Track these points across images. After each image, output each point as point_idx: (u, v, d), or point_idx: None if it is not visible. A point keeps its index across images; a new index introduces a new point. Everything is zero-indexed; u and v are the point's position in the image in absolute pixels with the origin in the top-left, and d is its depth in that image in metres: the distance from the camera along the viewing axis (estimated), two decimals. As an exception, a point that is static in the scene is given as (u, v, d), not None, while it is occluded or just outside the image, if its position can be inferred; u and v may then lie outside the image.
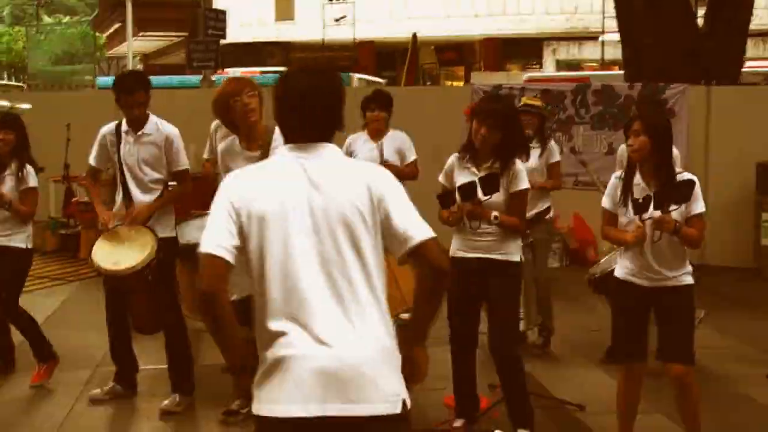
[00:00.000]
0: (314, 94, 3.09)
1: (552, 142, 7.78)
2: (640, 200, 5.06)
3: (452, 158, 5.68)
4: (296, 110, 3.10)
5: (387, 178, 3.11)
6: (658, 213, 5.01)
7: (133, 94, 6.12)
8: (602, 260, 6.78)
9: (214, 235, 2.98)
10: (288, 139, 3.13)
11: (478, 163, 5.53)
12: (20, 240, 6.79)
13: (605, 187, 5.50)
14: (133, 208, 6.09)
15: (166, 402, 6.24)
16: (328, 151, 3.11)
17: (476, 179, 5.39)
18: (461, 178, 5.50)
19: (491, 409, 6.02)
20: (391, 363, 2.99)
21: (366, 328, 2.95)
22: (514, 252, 5.53)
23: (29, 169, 6.81)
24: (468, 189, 5.36)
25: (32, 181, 6.80)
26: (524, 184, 5.52)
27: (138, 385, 6.61)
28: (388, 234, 3.03)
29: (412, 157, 7.92)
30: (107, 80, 23.39)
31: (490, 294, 5.55)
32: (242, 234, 2.98)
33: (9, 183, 6.75)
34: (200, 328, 7.70)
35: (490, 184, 5.33)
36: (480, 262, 5.48)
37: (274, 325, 2.95)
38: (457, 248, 5.57)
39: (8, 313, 6.89)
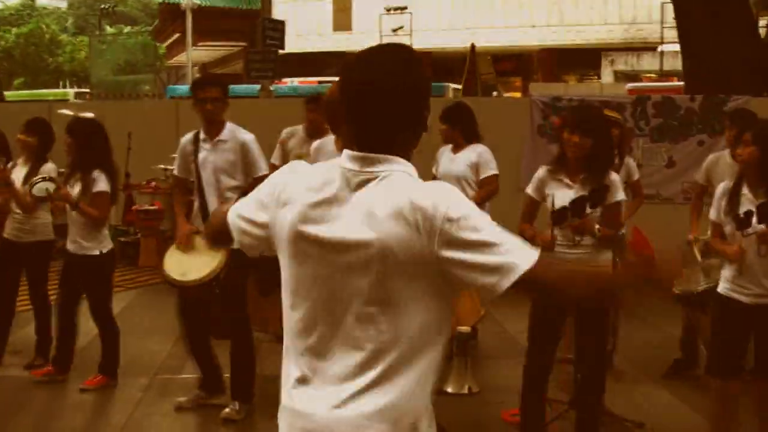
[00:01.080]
0: (367, 91, 2.42)
1: (630, 159, 7.49)
2: (742, 215, 5.01)
3: (541, 171, 5.56)
4: (349, 112, 2.46)
5: (454, 203, 2.33)
6: (762, 227, 4.93)
7: (205, 89, 6.22)
8: (684, 272, 6.72)
9: (241, 204, 2.66)
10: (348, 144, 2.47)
11: (571, 175, 5.42)
12: (94, 248, 6.85)
13: None
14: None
15: (226, 410, 6.26)
16: (388, 167, 2.40)
17: (586, 194, 5.27)
18: (557, 192, 5.36)
19: (550, 423, 5.97)
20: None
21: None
22: (605, 264, 5.40)
23: (98, 173, 6.80)
24: (579, 204, 5.24)
25: (102, 185, 6.78)
26: (620, 195, 5.44)
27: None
28: (466, 276, 2.32)
29: (490, 172, 7.57)
30: (183, 88, 23.58)
31: (582, 308, 5.35)
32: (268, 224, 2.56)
33: (77, 187, 6.79)
34: (258, 338, 7.79)
35: (598, 197, 5.25)
36: None
37: (286, 363, 2.57)
38: (545, 249, 5.46)
39: (97, 318, 7.02)
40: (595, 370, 5.50)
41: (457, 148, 7.70)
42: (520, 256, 2.31)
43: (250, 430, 6.21)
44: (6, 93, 22.47)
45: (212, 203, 6.18)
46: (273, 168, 6.91)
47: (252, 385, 6.38)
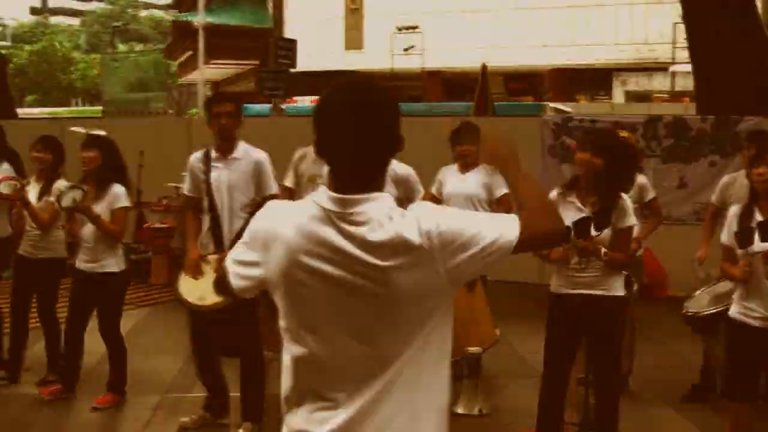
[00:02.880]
0: (344, 140, 2.48)
1: (643, 178, 7.38)
2: (744, 233, 5.00)
3: (554, 193, 5.54)
4: (329, 160, 2.53)
5: (436, 219, 2.45)
6: (766, 245, 4.93)
7: (220, 104, 6.25)
8: (697, 294, 6.70)
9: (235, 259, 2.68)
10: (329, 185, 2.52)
11: (582, 198, 5.42)
12: (113, 265, 6.88)
13: None
14: (223, 256, 6.09)
15: (240, 430, 6.25)
16: (369, 206, 2.46)
17: (590, 215, 5.24)
18: (567, 214, 5.30)
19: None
20: None
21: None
22: (617, 287, 5.38)
23: (117, 188, 6.85)
24: (583, 225, 5.19)
25: (123, 200, 6.85)
26: (631, 220, 5.41)
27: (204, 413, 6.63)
28: (472, 270, 2.49)
29: (502, 191, 7.42)
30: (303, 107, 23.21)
31: (594, 330, 5.39)
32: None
33: (96, 201, 6.79)
34: (268, 357, 7.76)
35: (603, 219, 5.22)
36: (583, 298, 5.33)
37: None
38: (559, 285, 5.47)
39: (108, 336, 7.02)
40: (610, 393, 5.46)
41: (465, 168, 7.60)
42: (504, 228, 2.48)
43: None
44: (58, 110, 22.47)
45: (225, 222, 6.19)
46: (287, 191, 6.92)
47: (262, 405, 6.36)
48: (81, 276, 6.93)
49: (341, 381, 2.48)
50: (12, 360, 7.55)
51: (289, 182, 6.98)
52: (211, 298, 5.85)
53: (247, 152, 6.31)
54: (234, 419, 6.43)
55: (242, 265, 2.63)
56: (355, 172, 2.49)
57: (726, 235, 5.26)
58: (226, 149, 6.28)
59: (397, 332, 2.45)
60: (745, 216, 5.14)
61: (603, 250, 5.24)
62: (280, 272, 2.52)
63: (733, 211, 5.28)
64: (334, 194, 2.47)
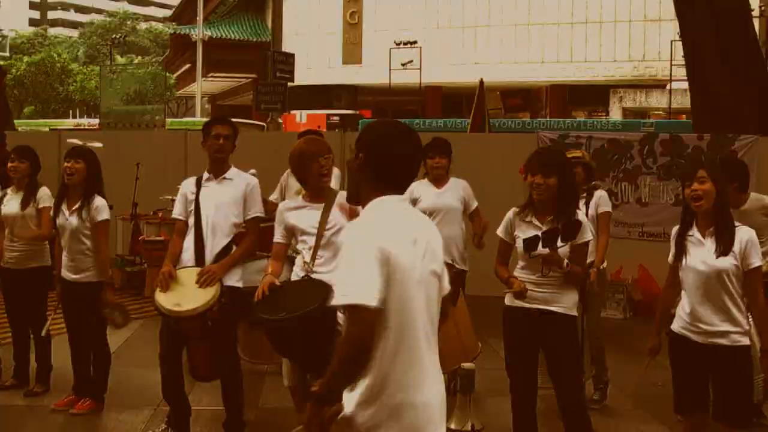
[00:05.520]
0: (418, 150, 3.45)
1: (601, 192, 7.49)
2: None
3: (510, 214, 5.68)
4: (409, 162, 3.37)
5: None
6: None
7: (221, 125, 6.34)
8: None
9: (367, 284, 3.05)
10: (389, 189, 3.30)
11: (539, 216, 5.53)
12: (94, 275, 6.91)
13: None
14: (206, 268, 6.11)
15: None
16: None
17: (558, 227, 5.39)
18: (526, 233, 5.48)
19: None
20: None
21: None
22: (571, 306, 5.50)
23: (99, 201, 6.88)
24: (551, 236, 5.35)
25: (105, 213, 6.88)
26: (588, 235, 5.52)
27: (192, 426, 6.60)
28: None
29: (475, 204, 7.87)
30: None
31: (552, 345, 5.50)
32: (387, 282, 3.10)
33: (76, 215, 6.84)
34: (261, 370, 7.75)
35: (570, 231, 5.37)
36: (540, 312, 5.44)
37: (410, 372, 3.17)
38: (515, 298, 5.53)
39: (96, 343, 7.06)
40: (574, 406, 5.53)
41: (439, 182, 7.75)
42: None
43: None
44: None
45: (209, 239, 6.20)
46: (270, 205, 6.94)
47: (242, 417, 6.38)
48: (68, 286, 6.96)
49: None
50: (20, 365, 7.70)
51: (274, 197, 7.03)
52: (188, 305, 5.85)
53: (239, 175, 6.39)
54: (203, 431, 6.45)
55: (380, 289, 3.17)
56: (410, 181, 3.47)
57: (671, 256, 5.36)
58: (218, 171, 6.33)
59: None
60: (682, 235, 5.22)
61: (565, 261, 5.36)
62: (412, 272, 3.29)
63: (674, 232, 5.34)
64: (400, 195, 3.37)
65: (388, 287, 3.05)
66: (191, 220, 6.27)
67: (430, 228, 3.39)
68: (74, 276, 6.90)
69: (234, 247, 6.26)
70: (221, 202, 6.21)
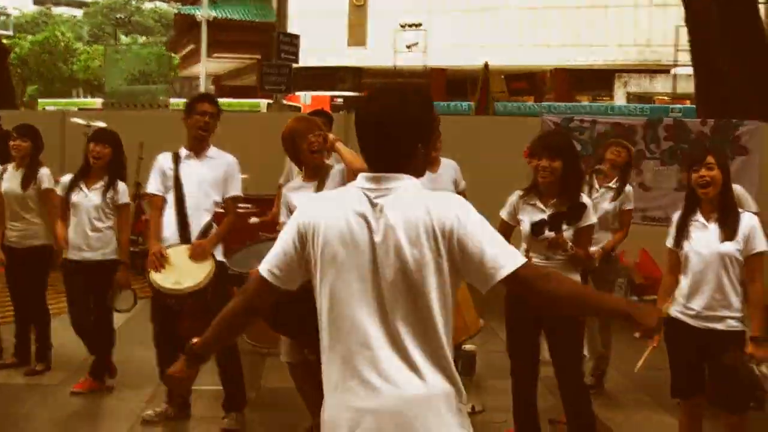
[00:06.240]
0: (379, 122, 2.86)
1: (629, 187, 7.57)
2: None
3: (514, 197, 5.71)
4: (363, 139, 2.91)
5: (461, 209, 2.78)
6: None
7: (206, 103, 6.35)
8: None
9: (270, 257, 2.99)
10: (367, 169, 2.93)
11: (543, 199, 5.56)
12: (112, 253, 7.03)
13: None
14: (197, 243, 6.15)
15: (225, 420, 6.30)
16: (400, 183, 2.82)
17: (564, 210, 5.43)
18: (530, 216, 5.53)
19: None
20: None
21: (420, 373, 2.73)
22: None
23: (122, 185, 7.04)
24: (556, 219, 5.40)
25: (126, 197, 7.05)
26: (592, 219, 5.53)
27: (192, 406, 6.65)
28: (468, 268, 2.74)
29: (463, 184, 7.69)
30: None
31: (553, 327, 5.52)
32: (305, 257, 2.90)
33: (99, 195, 6.96)
34: (262, 352, 7.78)
35: (576, 214, 5.41)
36: None
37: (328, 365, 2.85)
38: None
39: (101, 324, 7.13)
40: (575, 388, 5.56)
41: (433, 166, 7.72)
42: (510, 256, 2.73)
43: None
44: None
45: (193, 216, 6.24)
46: (279, 187, 6.95)
47: (243, 394, 6.44)
48: (82, 267, 7.00)
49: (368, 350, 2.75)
50: (20, 344, 7.75)
51: (282, 179, 7.05)
52: (188, 282, 5.87)
53: (220, 153, 6.43)
54: (204, 411, 6.53)
55: (283, 256, 2.97)
56: (381, 159, 2.88)
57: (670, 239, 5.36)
58: (199, 149, 6.35)
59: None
60: (685, 219, 5.24)
61: (569, 244, 5.40)
62: (325, 249, 2.92)
63: (675, 216, 5.36)
64: (369, 174, 2.88)
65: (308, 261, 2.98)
66: (170, 197, 6.30)
67: None
68: (95, 256, 6.97)
69: (214, 225, 6.31)
70: (203, 180, 6.25)
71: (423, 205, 2.76)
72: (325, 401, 2.83)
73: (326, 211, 2.85)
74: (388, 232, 2.74)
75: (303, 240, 2.88)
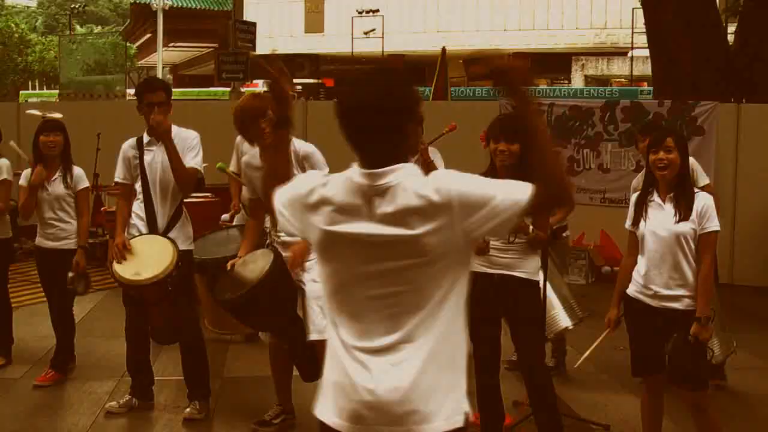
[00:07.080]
0: (370, 109, 2.72)
1: None
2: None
3: None
4: (353, 129, 2.75)
5: (452, 180, 2.70)
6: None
7: (153, 92, 6.19)
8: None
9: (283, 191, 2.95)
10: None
11: None
12: (73, 243, 6.98)
13: None
14: (154, 118, 6.06)
15: (187, 410, 6.27)
16: (396, 175, 2.70)
17: None
18: None
19: (516, 426, 5.99)
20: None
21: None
22: (533, 271, 5.51)
23: (78, 170, 7.07)
24: None
25: (84, 181, 7.07)
26: None
27: (157, 395, 6.64)
28: (486, 229, 2.69)
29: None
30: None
31: (515, 309, 5.50)
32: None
33: (60, 185, 6.96)
34: (225, 339, 7.76)
35: None
36: (502, 278, 5.44)
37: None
38: (478, 263, 5.53)
39: (62, 314, 7.10)
40: (538, 372, 5.55)
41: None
42: (516, 191, 2.68)
43: (212, 429, 6.20)
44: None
45: (158, 204, 6.18)
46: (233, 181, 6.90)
47: (208, 383, 6.42)
48: (46, 255, 7.02)
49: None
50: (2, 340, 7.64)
51: (232, 167, 7.02)
52: (147, 273, 5.85)
53: (178, 133, 6.22)
54: (168, 400, 6.52)
55: (286, 217, 2.95)
56: (372, 155, 2.74)
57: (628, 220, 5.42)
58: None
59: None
60: (643, 199, 5.28)
61: (530, 227, 5.36)
62: (318, 236, 2.89)
63: (634, 196, 5.40)
64: (364, 171, 2.73)
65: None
66: (137, 185, 6.25)
67: None
68: (53, 244, 6.96)
69: (184, 211, 6.26)
70: (167, 165, 6.15)
71: (418, 191, 2.65)
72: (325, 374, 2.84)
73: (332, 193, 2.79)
74: (386, 221, 2.67)
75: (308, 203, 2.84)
